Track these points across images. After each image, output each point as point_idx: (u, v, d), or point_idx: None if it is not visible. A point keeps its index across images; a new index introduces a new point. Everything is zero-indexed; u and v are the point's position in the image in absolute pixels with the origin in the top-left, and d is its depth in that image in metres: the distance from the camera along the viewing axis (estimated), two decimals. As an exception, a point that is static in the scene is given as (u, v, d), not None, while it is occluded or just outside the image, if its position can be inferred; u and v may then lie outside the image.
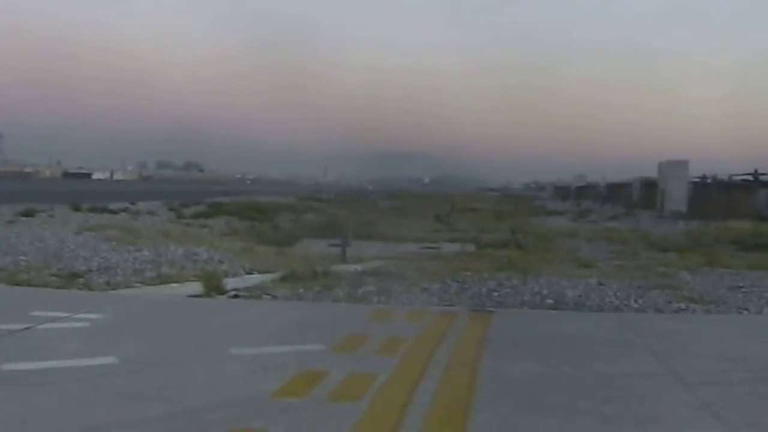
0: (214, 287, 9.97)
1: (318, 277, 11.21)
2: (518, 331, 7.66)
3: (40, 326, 7.00)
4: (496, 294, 10.31)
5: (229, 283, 10.61)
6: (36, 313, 7.46)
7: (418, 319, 8.10)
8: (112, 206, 28.04)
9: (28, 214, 21.88)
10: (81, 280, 10.81)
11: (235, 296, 9.77)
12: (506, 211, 44.29)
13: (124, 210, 27.56)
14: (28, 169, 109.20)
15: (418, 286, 10.67)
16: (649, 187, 47.97)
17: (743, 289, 11.02)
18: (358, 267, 13.08)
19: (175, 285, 10.89)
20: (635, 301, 9.92)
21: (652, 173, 47.33)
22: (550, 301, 9.88)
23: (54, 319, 7.29)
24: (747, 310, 9.58)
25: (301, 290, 10.13)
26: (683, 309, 9.49)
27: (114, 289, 10.25)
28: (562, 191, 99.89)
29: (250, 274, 12.56)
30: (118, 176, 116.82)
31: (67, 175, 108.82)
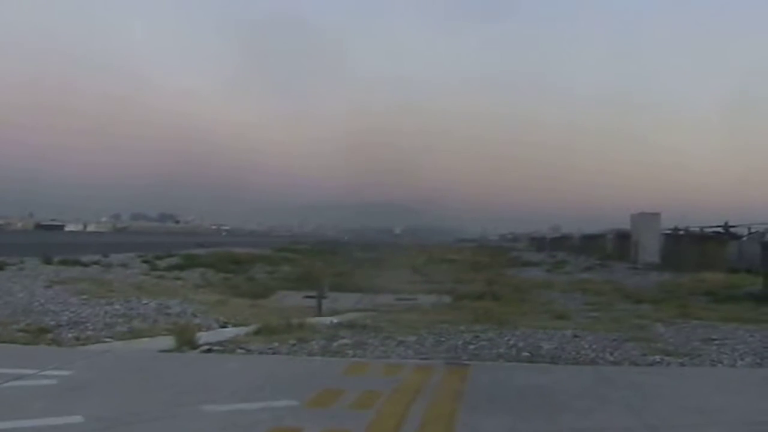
0: (186, 341, 9.81)
1: (293, 330, 11.08)
2: (494, 384, 7.61)
3: (5, 384, 6.81)
4: (472, 347, 10.26)
5: (203, 337, 10.45)
6: (2, 371, 7.26)
7: (394, 373, 8.02)
8: (85, 259, 27.64)
9: (-2, 267, 21.49)
10: (49, 335, 10.58)
11: (208, 350, 9.60)
12: (482, 263, 44.47)
13: (97, 262, 27.18)
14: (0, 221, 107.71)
15: (394, 339, 10.59)
16: (623, 238, 48.54)
17: (716, 341, 11.08)
18: (334, 319, 12.98)
19: (146, 339, 10.70)
20: (610, 354, 9.93)
21: (626, 225, 47.99)
22: (526, 353, 9.85)
23: (20, 377, 7.10)
24: (721, 363, 9.62)
25: (276, 344, 10.00)
26: (658, 362, 9.50)
27: (84, 345, 10.04)
28: (538, 242, 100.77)
29: (224, 327, 12.41)
30: (91, 228, 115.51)
31: (39, 227, 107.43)
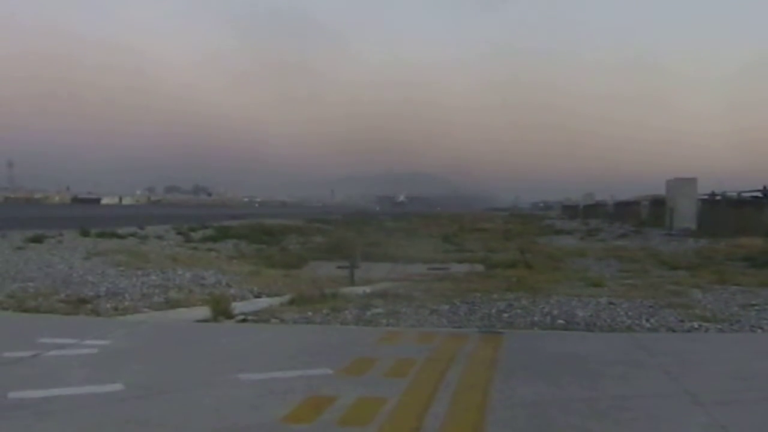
0: (221, 312, 9.93)
1: (326, 300, 11.15)
2: (529, 352, 7.57)
3: (48, 353, 6.96)
4: (505, 315, 10.22)
5: (237, 307, 10.56)
6: (43, 340, 7.43)
7: (428, 342, 8.02)
8: (121, 231, 28.11)
9: (37, 240, 21.94)
10: (89, 305, 10.79)
11: (243, 320, 9.72)
12: (514, 231, 44.19)
13: (133, 235, 27.60)
14: (38, 195, 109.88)
15: (427, 308, 10.59)
16: (658, 205, 47.83)
17: (756, 307, 10.88)
18: (367, 289, 13.02)
19: (182, 310, 10.86)
20: (647, 321, 9.80)
21: (661, 191, 47.20)
22: (560, 321, 9.78)
23: (61, 346, 7.25)
24: (761, 328, 9.45)
25: (310, 313, 10.07)
26: (696, 328, 9.36)
27: (122, 315, 10.22)
28: (571, 210, 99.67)
29: (258, 297, 12.53)
30: (127, 201, 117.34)
31: (76, 200, 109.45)
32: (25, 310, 10.06)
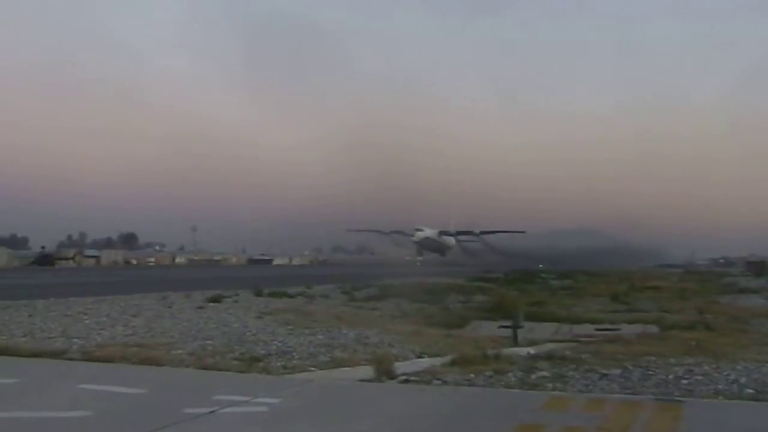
0: (384, 371, 9.99)
1: (489, 361, 10.91)
2: (713, 425, 6.90)
3: (222, 410, 7.33)
4: (684, 382, 9.42)
5: (400, 367, 10.59)
6: (219, 397, 7.84)
7: (598, 409, 7.55)
8: (290, 290, 29.47)
9: (215, 300, 23.52)
10: (261, 364, 11.29)
11: (406, 381, 9.71)
12: (691, 289, 41.16)
13: (301, 294, 28.83)
14: (217, 257, 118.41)
15: (596, 372, 10.03)
16: None
17: None
18: (531, 350, 12.61)
19: (347, 369, 11.06)
20: None
21: None
22: (749, 390, 8.85)
23: (236, 403, 7.61)
24: None
25: (472, 375, 9.88)
26: None
27: (291, 373, 10.58)
28: (756, 266, 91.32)
29: (420, 357, 12.50)
30: (296, 261, 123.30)
31: (251, 261, 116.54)
32: (204, 367, 10.70)
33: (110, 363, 10.81)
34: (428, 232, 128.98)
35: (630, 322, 19.85)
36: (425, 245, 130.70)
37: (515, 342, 14.84)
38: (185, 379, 9.61)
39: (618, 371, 10.10)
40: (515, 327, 16.00)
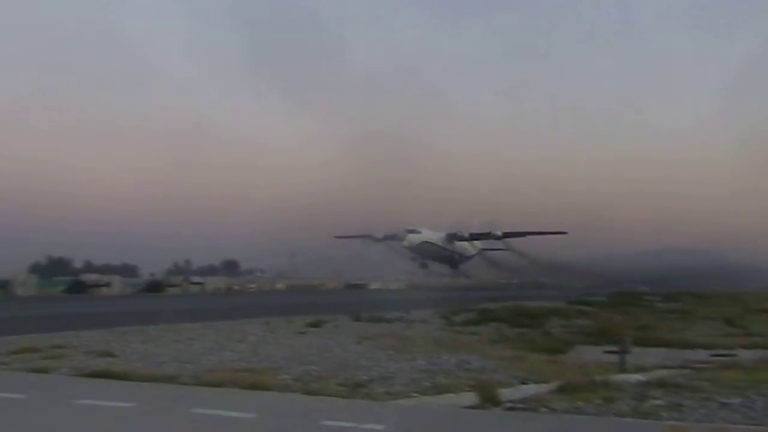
0: (488, 398, 9.82)
1: (597, 388, 10.52)
2: None
3: (330, 436, 7.40)
4: (816, 412, 8.76)
5: (504, 393, 10.39)
6: (327, 423, 7.94)
7: (720, 441, 7.13)
8: (388, 315, 29.59)
9: (316, 325, 23.95)
10: (364, 389, 11.36)
11: (511, 408, 9.50)
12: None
13: (399, 319, 28.89)
14: (315, 282, 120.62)
15: (714, 400, 9.48)
16: None
17: None
18: (641, 377, 12.08)
19: (450, 395, 10.96)
20: None
21: None
22: None
23: (343, 429, 7.68)
24: None
25: (581, 403, 9.55)
26: None
27: (393, 399, 10.59)
28: None
29: (524, 384, 12.24)
30: (392, 285, 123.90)
31: (348, 286, 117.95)
32: (309, 392, 10.87)
33: (220, 387, 11.16)
34: (428, 235, 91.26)
35: (747, 347, 18.74)
36: (425, 253, 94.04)
37: (623, 368, 14.29)
38: (292, 404, 9.78)
39: (739, 400, 9.51)
40: (622, 352, 15.43)
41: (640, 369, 13.93)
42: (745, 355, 16.80)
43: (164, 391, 11.01)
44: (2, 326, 23.42)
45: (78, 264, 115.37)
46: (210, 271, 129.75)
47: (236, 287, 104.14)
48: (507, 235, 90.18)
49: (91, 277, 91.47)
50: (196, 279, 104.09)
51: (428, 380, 12.31)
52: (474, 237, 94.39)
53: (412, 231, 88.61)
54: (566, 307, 44.75)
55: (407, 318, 29.79)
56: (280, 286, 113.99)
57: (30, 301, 57.32)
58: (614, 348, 16.35)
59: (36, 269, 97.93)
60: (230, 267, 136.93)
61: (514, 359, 15.54)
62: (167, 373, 12.81)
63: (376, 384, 11.86)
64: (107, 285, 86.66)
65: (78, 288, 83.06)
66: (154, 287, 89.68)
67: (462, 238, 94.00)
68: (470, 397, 10.18)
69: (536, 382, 12.25)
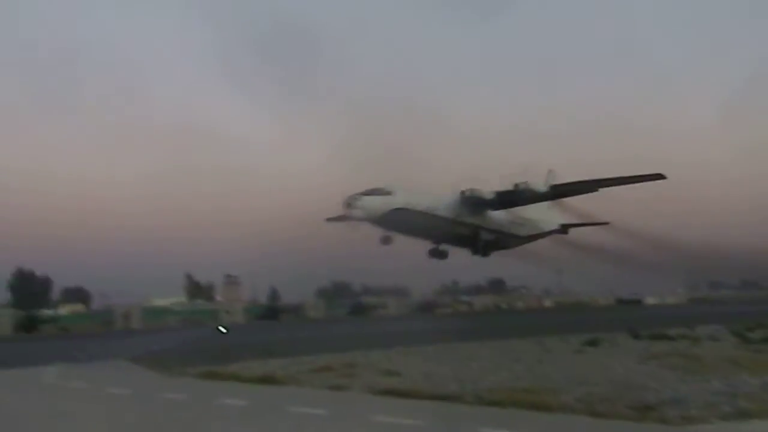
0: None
1: None
2: None
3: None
4: None
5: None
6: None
7: None
8: (669, 332, 27.51)
9: (593, 343, 23.05)
10: (654, 413, 10.65)
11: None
12: None
13: (683, 336, 26.67)
14: (584, 299, 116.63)
15: None
16: None
17: None
18: None
19: (756, 422, 9.85)
20: None
21: None
22: None
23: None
24: None
25: None
26: None
27: (691, 425, 9.78)
28: None
29: None
30: (670, 300, 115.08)
31: (619, 301, 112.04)
32: (595, 414, 10.49)
33: (501, 407, 11.25)
34: (405, 198, 41.77)
35: None
36: (404, 227, 42.42)
37: None
38: (580, 427, 9.53)
39: None
40: None
41: None
42: None
43: (450, 409, 11.42)
44: (301, 346, 26.18)
45: (356, 287, 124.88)
46: (477, 290, 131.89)
47: (503, 305, 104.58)
48: (557, 190, 44.65)
49: (369, 300, 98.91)
50: (465, 298, 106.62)
51: (728, 404, 11.18)
52: (502, 199, 44.93)
53: (367, 192, 40.80)
54: None
55: (692, 335, 27.38)
56: (547, 303, 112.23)
57: (319, 323, 63.24)
58: None
59: (322, 293, 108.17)
60: (496, 285, 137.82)
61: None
62: (450, 391, 13.24)
63: (667, 407, 11.06)
64: (384, 306, 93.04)
65: (359, 310, 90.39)
66: (426, 307, 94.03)
67: (482, 201, 45.04)
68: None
69: None
